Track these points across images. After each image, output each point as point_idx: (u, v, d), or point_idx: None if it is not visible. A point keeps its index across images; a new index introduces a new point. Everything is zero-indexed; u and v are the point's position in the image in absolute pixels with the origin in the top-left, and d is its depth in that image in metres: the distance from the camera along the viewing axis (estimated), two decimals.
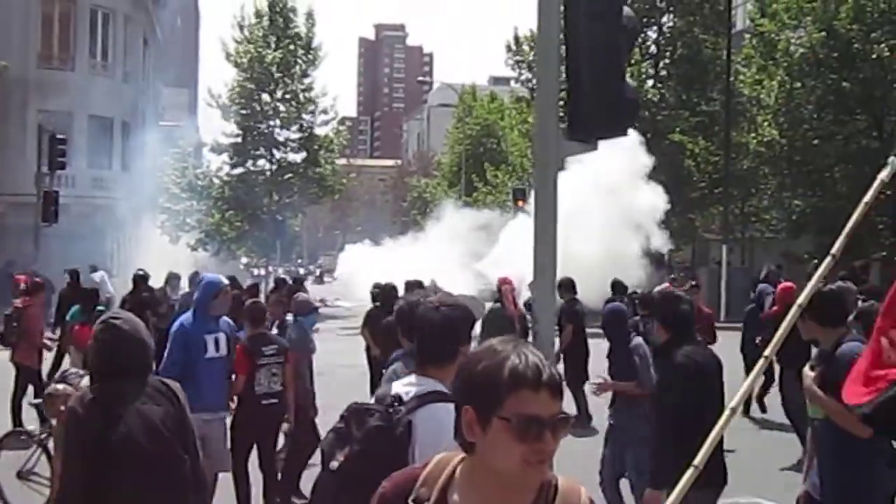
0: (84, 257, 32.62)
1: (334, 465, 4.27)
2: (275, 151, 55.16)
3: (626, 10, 7.10)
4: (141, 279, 21.20)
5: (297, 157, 55.35)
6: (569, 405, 11.55)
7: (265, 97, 54.46)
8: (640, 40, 48.09)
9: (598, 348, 15.53)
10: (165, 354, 10.15)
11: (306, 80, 55.67)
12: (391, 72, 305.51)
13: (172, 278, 23.23)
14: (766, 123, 43.45)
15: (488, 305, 16.51)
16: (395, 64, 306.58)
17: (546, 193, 7.11)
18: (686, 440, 5.86)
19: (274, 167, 54.67)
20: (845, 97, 40.75)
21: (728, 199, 44.45)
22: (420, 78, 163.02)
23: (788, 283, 16.69)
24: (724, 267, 42.11)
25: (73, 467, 5.10)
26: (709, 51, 49.03)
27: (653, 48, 51.58)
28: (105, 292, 27.40)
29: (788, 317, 4.87)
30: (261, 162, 55.14)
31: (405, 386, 4.51)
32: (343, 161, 66.99)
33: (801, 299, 4.99)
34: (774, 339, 4.80)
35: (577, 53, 7.02)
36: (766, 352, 4.84)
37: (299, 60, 55.14)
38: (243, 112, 53.52)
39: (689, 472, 4.29)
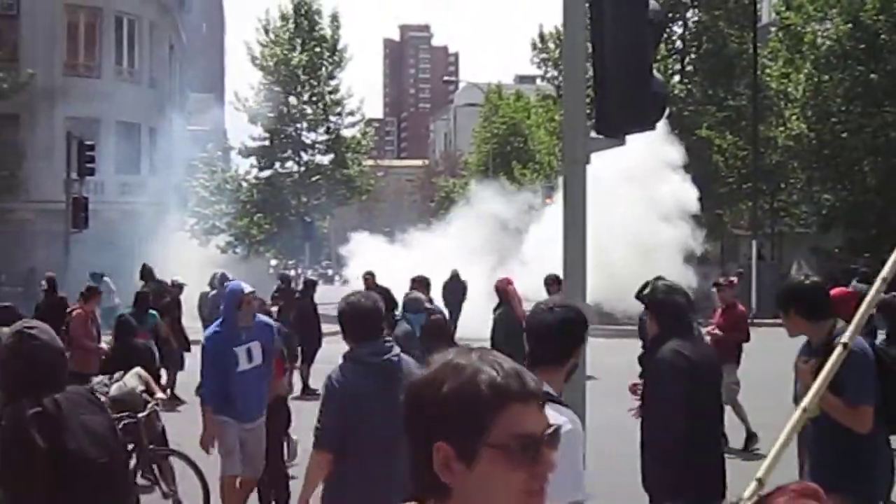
0: (113, 263, 32.75)
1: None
2: (302, 154, 55.35)
3: (653, 3, 7.07)
4: (148, 273, 21.68)
5: (325, 159, 55.51)
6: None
7: (292, 100, 54.61)
8: (665, 35, 47.93)
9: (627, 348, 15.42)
10: (202, 373, 10.23)
11: (332, 82, 55.81)
12: (416, 72, 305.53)
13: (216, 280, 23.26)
14: (793, 117, 43.25)
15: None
16: (421, 64, 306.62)
17: (575, 189, 7.09)
18: (679, 442, 5.78)
19: (301, 169, 54.84)
20: (873, 89, 40.55)
21: (757, 194, 44.24)
22: (446, 78, 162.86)
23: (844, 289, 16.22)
24: (753, 263, 41.89)
25: (29, 489, 4.72)
26: (735, 45, 48.81)
27: (678, 43, 51.44)
28: (110, 300, 27.40)
29: (863, 306, 4.75)
30: (288, 164, 55.36)
31: None
32: (370, 162, 67.12)
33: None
34: (851, 329, 4.72)
35: (603, 49, 7.00)
36: (844, 338, 4.72)
37: (325, 62, 55.26)
38: (270, 115, 53.66)
39: (752, 486, 3.76)
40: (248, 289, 10.06)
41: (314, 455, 6.33)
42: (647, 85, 6.96)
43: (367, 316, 6.44)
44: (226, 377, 9.77)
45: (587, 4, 7.05)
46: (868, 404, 6.09)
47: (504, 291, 15.06)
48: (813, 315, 6.46)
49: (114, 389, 10.96)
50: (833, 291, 16.17)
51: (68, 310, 16.50)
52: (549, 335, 4.59)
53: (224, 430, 9.80)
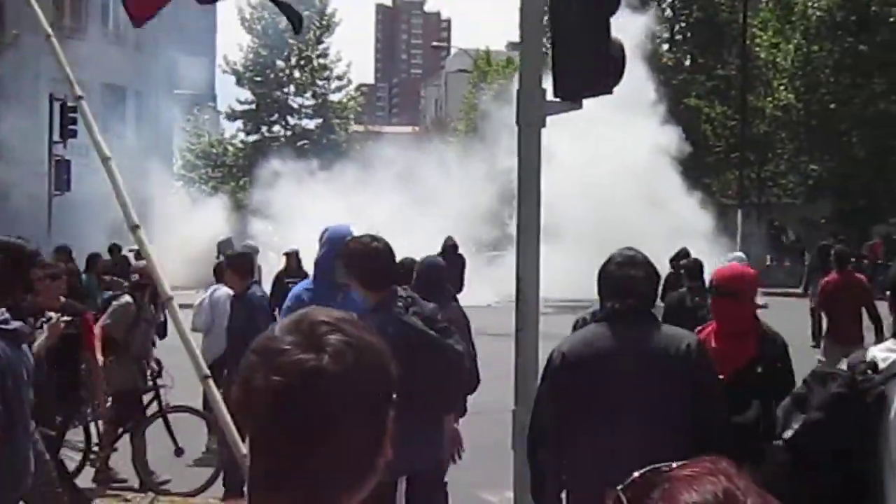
0: (98, 227, 32.59)
1: (787, 434, 3.89)
2: (289, 118, 55.13)
3: None
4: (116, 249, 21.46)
5: (312, 124, 55.31)
6: None
7: (279, 63, 54.36)
8: (655, 4, 47.77)
9: None
10: None
11: (320, 47, 55.54)
12: (409, 38, 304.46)
13: (224, 245, 20.58)
14: (782, 87, 43.16)
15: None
16: (413, 30, 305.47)
17: (530, 153, 6.97)
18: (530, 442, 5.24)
19: (288, 134, 54.63)
20: (862, 60, 40.48)
21: (744, 163, 44.16)
22: (435, 43, 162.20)
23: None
24: (738, 232, 41.82)
25: None
26: (725, 14, 48.64)
27: (668, 12, 51.22)
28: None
29: None
30: (275, 129, 55.13)
31: (884, 351, 3.89)
32: (360, 127, 66.96)
33: None
34: None
35: (560, 11, 6.88)
36: None
37: (313, 26, 54.98)
38: (257, 79, 53.42)
39: None
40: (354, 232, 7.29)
41: None
42: (605, 48, 6.84)
43: None
44: None
45: None
46: None
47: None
48: None
49: None
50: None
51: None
52: None
53: None
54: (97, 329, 10.46)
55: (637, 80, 30.04)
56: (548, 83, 6.96)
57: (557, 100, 7.01)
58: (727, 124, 47.40)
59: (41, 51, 44.96)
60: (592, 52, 6.80)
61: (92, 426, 10.96)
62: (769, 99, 44.44)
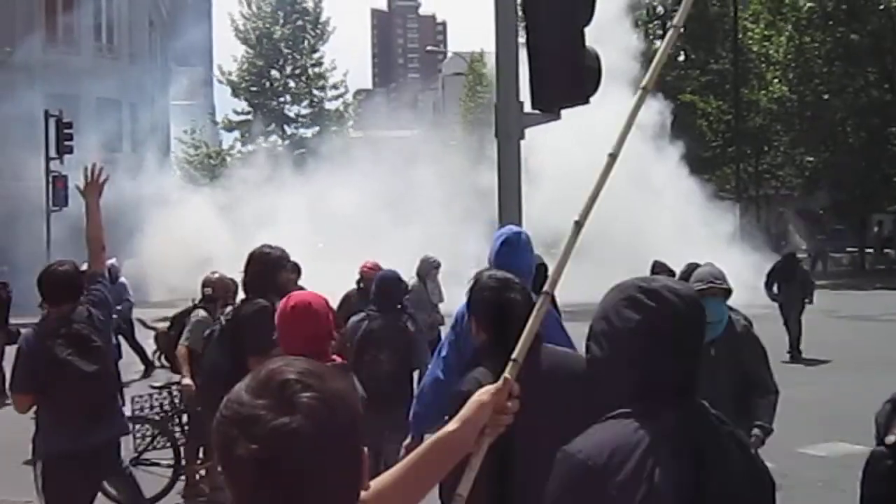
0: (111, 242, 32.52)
1: (891, 439, 3.80)
2: (286, 127, 55.18)
3: None
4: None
5: (309, 133, 55.37)
6: None
7: (275, 73, 54.45)
8: (646, 1, 47.85)
9: None
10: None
11: (315, 55, 55.64)
12: (405, 42, 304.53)
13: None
14: (775, 80, 43.19)
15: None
16: (409, 34, 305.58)
17: (510, 165, 7.06)
18: None
19: (286, 143, 54.69)
20: (854, 50, 40.52)
21: (740, 157, 44.18)
22: (430, 47, 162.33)
23: None
24: (737, 227, 41.80)
25: None
26: (716, 8, 48.64)
27: (659, 8, 51.22)
28: None
29: None
30: (272, 138, 55.18)
31: None
32: (359, 133, 67.01)
33: None
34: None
35: (535, 24, 6.96)
36: None
37: (307, 35, 55.08)
38: (253, 89, 53.50)
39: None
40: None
41: None
42: (579, 58, 6.92)
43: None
44: None
45: None
46: None
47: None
48: None
49: None
50: None
51: None
52: None
53: None
54: (181, 349, 10.53)
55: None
56: (525, 95, 7.05)
57: (536, 112, 7.09)
58: (722, 118, 47.40)
59: (35, 67, 45.24)
60: (568, 63, 6.88)
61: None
62: (763, 92, 44.46)
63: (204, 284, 11.41)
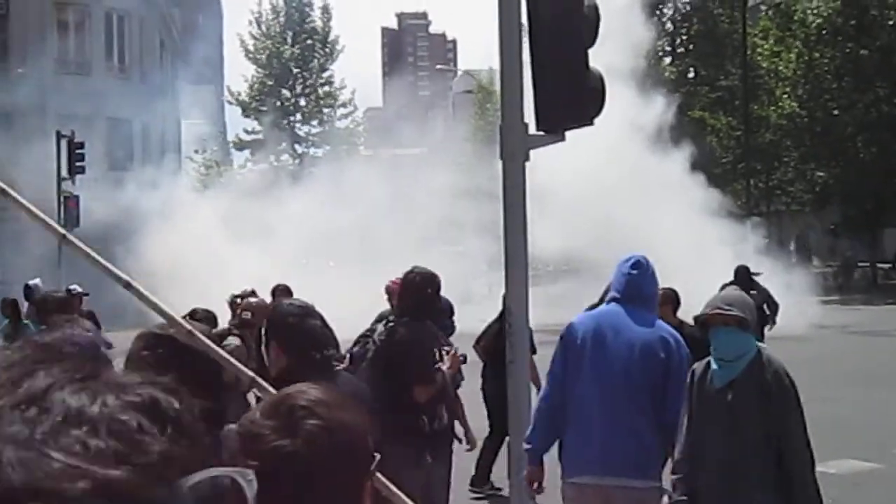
0: (106, 260, 32.61)
1: None
2: (297, 146, 55.36)
3: None
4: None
5: (319, 152, 55.57)
6: None
7: (285, 93, 54.64)
8: (655, 18, 47.91)
9: None
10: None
11: (325, 74, 55.86)
12: (415, 60, 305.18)
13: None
14: (785, 96, 43.24)
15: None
16: (419, 52, 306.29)
17: (515, 186, 7.08)
18: None
19: (297, 162, 54.84)
20: (864, 65, 40.56)
21: (750, 173, 44.15)
22: (440, 66, 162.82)
23: None
24: (750, 243, 41.71)
25: None
26: (725, 25, 48.74)
27: (669, 25, 51.34)
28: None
29: None
30: (283, 157, 55.35)
31: None
32: (370, 152, 67.17)
33: None
34: None
35: (539, 45, 7.00)
36: None
37: (317, 55, 55.30)
38: (263, 109, 53.72)
39: None
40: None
41: None
42: (583, 79, 6.95)
43: None
44: None
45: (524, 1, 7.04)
46: None
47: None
48: None
49: None
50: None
51: None
52: None
53: None
54: None
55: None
56: (530, 117, 7.08)
57: (540, 133, 7.12)
58: (732, 134, 47.41)
59: (47, 87, 45.46)
60: (572, 85, 6.92)
61: None
62: (773, 108, 44.50)
63: (243, 308, 10.50)
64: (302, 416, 2.00)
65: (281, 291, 12.52)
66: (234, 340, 9.61)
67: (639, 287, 6.04)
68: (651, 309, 6.15)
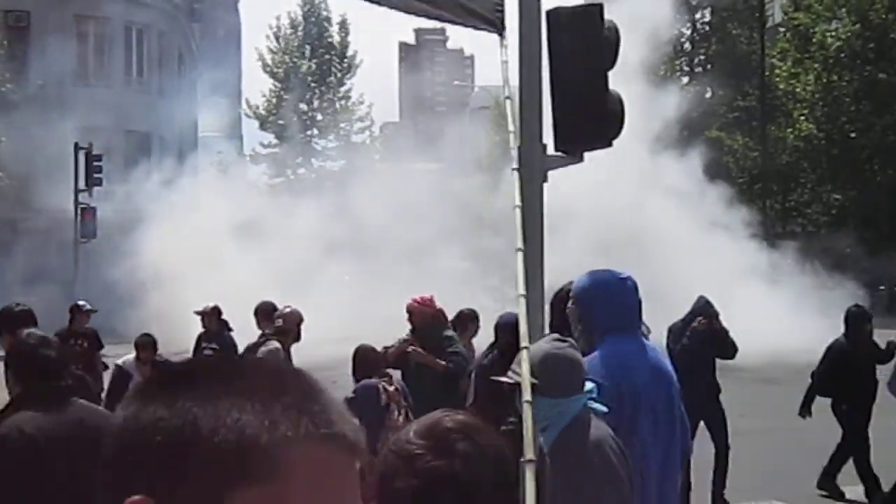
0: (124, 273, 32.81)
1: None
2: (313, 161, 55.50)
3: (609, 20, 7.07)
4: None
5: (336, 166, 55.71)
6: None
7: (302, 107, 54.82)
8: (673, 37, 47.93)
9: None
10: None
11: (342, 89, 56.04)
12: (433, 75, 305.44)
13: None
14: (802, 118, 43.20)
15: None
16: (437, 68, 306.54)
17: (533, 208, 7.06)
18: None
19: (313, 176, 54.97)
20: (882, 88, 40.53)
21: (766, 194, 44.13)
22: (457, 82, 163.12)
23: None
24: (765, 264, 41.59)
25: None
26: (743, 46, 48.73)
27: (687, 45, 51.33)
28: None
29: None
30: (300, 171, 55.49)
31: None
32: (386, 167, 67.28)
33: None
34: None
35: (559, 67, 7.00)
36: None
37: (334, 69, 55.48)
38: (280, 122, 53.90)
39: None
40: None
41: None
42: (603, 101, 6.96)
43: None
44: None
45: (544, 22, 7.05)
46: None
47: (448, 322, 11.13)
48: None
49: None
50: None
51: None
52: None
53: None
54: None
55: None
56: (548, 138, 7.08)
57: (559, 154, 7.12)
58: (749, 155, 47.35)
59: (66, 100, 45.63)
60: (591, 105, 6.93)
61: None
62: (790, 129, 44.45)
63: (277, 316, 11.31)
64: (456, 438, 2.12)
65: (262, 310, 12.20)
66: (274, 343, 10.65)
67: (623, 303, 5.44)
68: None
